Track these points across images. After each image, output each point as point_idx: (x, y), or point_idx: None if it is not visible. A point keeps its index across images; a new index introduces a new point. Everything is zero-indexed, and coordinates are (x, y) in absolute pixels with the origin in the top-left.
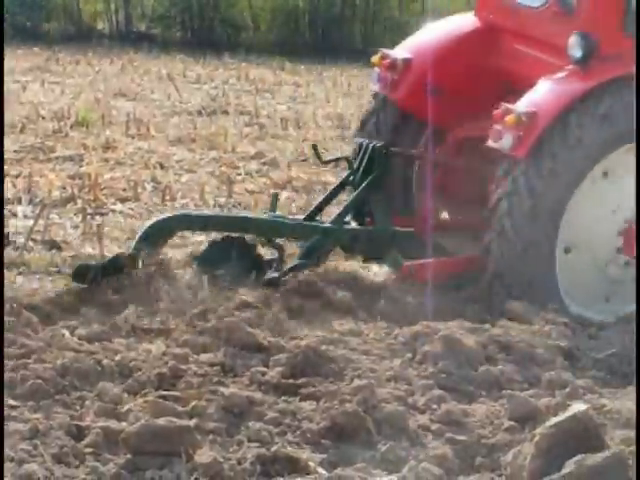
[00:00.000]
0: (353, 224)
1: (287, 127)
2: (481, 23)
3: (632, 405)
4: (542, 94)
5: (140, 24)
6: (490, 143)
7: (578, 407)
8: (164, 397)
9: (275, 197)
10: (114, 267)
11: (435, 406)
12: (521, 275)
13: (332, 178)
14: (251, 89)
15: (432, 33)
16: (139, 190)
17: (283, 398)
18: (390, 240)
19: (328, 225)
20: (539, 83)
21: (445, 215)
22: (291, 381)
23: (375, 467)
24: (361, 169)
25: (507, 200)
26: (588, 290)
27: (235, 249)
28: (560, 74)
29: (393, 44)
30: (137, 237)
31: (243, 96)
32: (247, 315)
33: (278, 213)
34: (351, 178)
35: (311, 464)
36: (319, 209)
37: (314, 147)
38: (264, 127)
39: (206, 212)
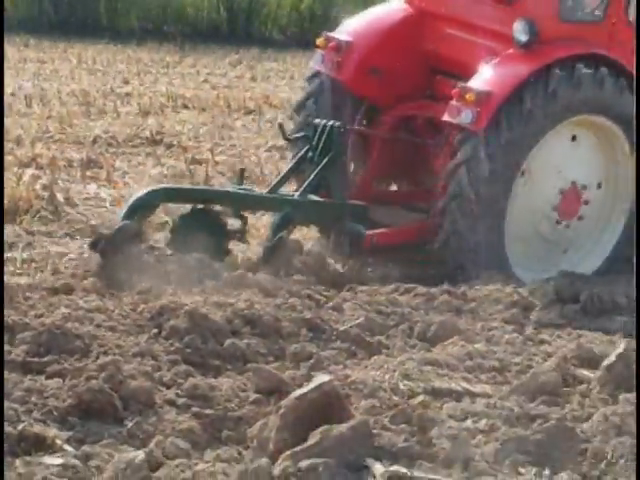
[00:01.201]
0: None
1: (31, 104)
2: (413, 9)
3: (377, 375)
4: (496, 74)
5: None
6: (447, 118)
7: (322, 378)
8: None
9: (242, 172)
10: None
11: (181, 381)
12: (476, 235)
13: (76, 155)
14: None
15: (370, 18)
16: None
17: (29, 377)
18: (349, 213)
19: (298, 198)
20: (490, 65)
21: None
22: (36, 359)
23: (122, 443)
24: (320, 147)
25: (466, 165)
26: (527, 250)
27: (205, 220)
28: (507, 56)
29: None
30: (124, 211)
31: None
32: None
33: (245, 186)
34: (309, 155)
35: (58, 442)
36: (281, 183)
37: (280, 125)
38: (9, 105)
39: (186, 186)
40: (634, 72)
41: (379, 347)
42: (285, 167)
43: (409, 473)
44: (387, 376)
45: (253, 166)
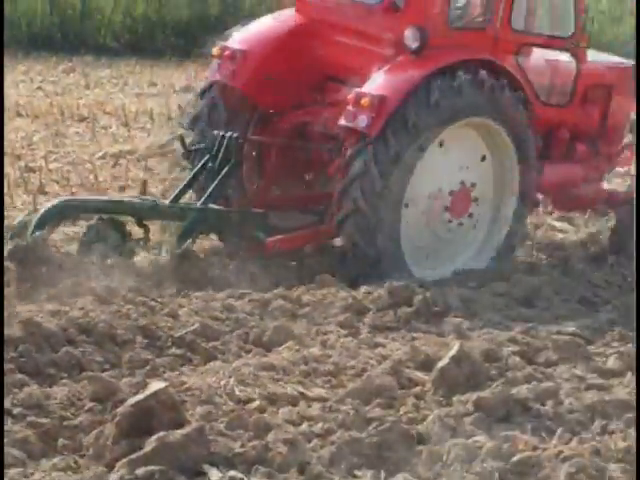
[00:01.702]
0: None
1: None
2: (304, 18)
3: (213, 381)
4: (389, 80)
5: None
6: (344, 123)
7: (158, 385)
8: None
9: (145, 183)
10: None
11: (16, 390)
12: (374, 246)
13: None
14: None
15: (263, 27)
16: None
17: None
18: (250, 220)
19: (201, 207)
20: (383, 71)
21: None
22: None
23: None
24: (219, 157)
25: (360, 181)
26: (422, 250)
27: (110, 230)
28: (399, 63)
29: None
30: (33, 224)
31: None
32: None
33: (149, 197)
34: (210, 165)
35: None
36: (182, 194)
37: (180, 137)
38: None
39: (92, 197)
40: (513, 71)
41: (214, 353)
42: (185, 177)
43: (246, 478)
44: (223, 382)
45: (87, 173)
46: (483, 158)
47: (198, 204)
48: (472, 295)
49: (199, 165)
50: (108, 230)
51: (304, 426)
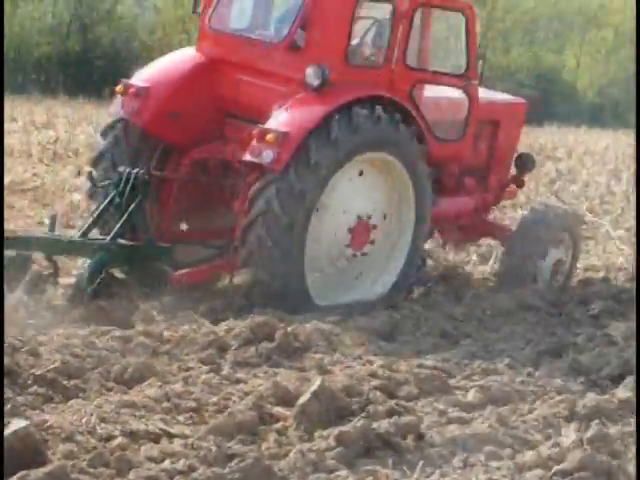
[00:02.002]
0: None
1: None
2: (204, 56)
3: (74, 419)
4: (293, 116)
5: None
6: (249, 158)
7: (19, 424)
8: None
9: (53, 218)
10: None
11: None
12: (278, 280)
13: None
14: None
15: (165, 65)
16: None
17: None
18: (157, 254)
19: (108, 242)
20: (286, 107)
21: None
22: None
23: None
24: (126, 193)
25: (264, 218)
26: (326, 284)
27: (16, 266)
28: (301, 99)
29: None
30: None
31: None
32: None
33: (56, 233)
34: (117, 200)
35: None
36: (89, 229)
37: (89, 173)
38: None
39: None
40: (409, 107)
41: (76, 391)
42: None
43: None
44: (84, 420)
45: None
46: (382, 190)
47: (107, 239)
48: (333, 330)
49: (106, 201)
50: (17, 265)
51: (166, 463)
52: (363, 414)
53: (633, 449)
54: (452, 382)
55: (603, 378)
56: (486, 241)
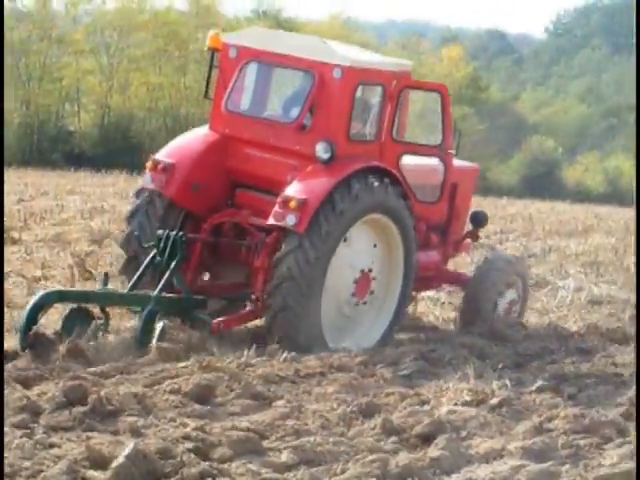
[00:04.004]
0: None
1: None
2: (217, 135)
3: None
4: (309, 185)
5: None
6: (273, 222)
7: None
8: None
9: (106, 276)
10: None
11: None
12: (300, 330)
13: None
14: None
15: (185, 142)
16: None
17: None
18: (196, 305)
19: (158, 295)
20: (301, 178)
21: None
22: None
23: None
24: (166, 253)
25: (287, 284)
26: (335, 327)
27: (82, 316)
28: (313, 171)
29: None
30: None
31: None
32: None
33: (110, 287)
34: (157, 259)
35: None
36: (136, 285)
37: (137, 236)
38: None
39: (73, 289)
40: (399, 175)
41: None
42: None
43: None
44: None
45: None
46: (375, 246)
47: (155, 293)
48: (146, 393)
49: (147, 260)
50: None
51: None
52: (177, 476)
53: None
54: (265, 443)
55: (414, 437)
56: None
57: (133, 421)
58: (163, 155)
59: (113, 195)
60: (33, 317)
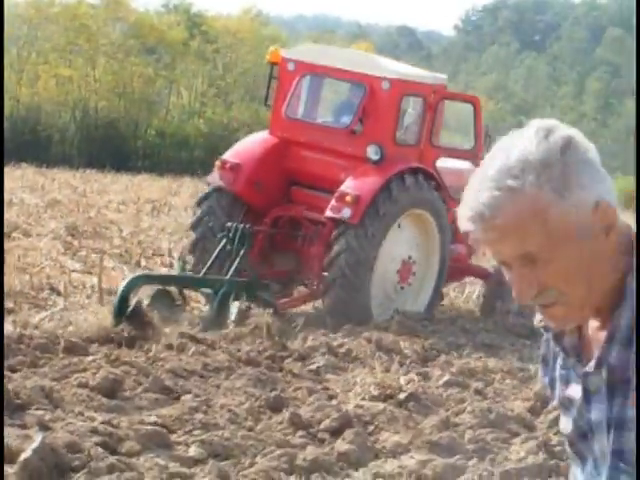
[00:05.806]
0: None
1: None
2: (276, 138)
3: None
4: (362, 183)
5: None
6: (330, 214)
7: None
8: None
9: (184, 261)
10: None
11: None
12: (354, 301)
13: None
14: None
15: (249, 145)
16: None
17: None
18: (262, 288)
19: (228, 279)
20: (353, 177)
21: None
22: None
23: None
24: (235, 242)
25: (345, 254)
26: (381, 305)
27: (165, 297)
28: (365, 170)
29: None
30: (120, 295)
31: None
32: None
33: (188, 272)
34: (228, 248)
35: None
36: (210, 269)
37: (211, 228)
38: None
39: (156, 273)
40: (436, 175)
41: None
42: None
43: None
44: None
45: None
46: (417, 237)
47: (227, 277)
48: (54, 386)
49: (219, 248)
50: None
51: None
52: (85, 470)
53: None
54: (173, 437)
55: (322, 431)
56: None
57: (41, 415)
58: (230, 156)
59: (22, 189)
60: (125, 297)
